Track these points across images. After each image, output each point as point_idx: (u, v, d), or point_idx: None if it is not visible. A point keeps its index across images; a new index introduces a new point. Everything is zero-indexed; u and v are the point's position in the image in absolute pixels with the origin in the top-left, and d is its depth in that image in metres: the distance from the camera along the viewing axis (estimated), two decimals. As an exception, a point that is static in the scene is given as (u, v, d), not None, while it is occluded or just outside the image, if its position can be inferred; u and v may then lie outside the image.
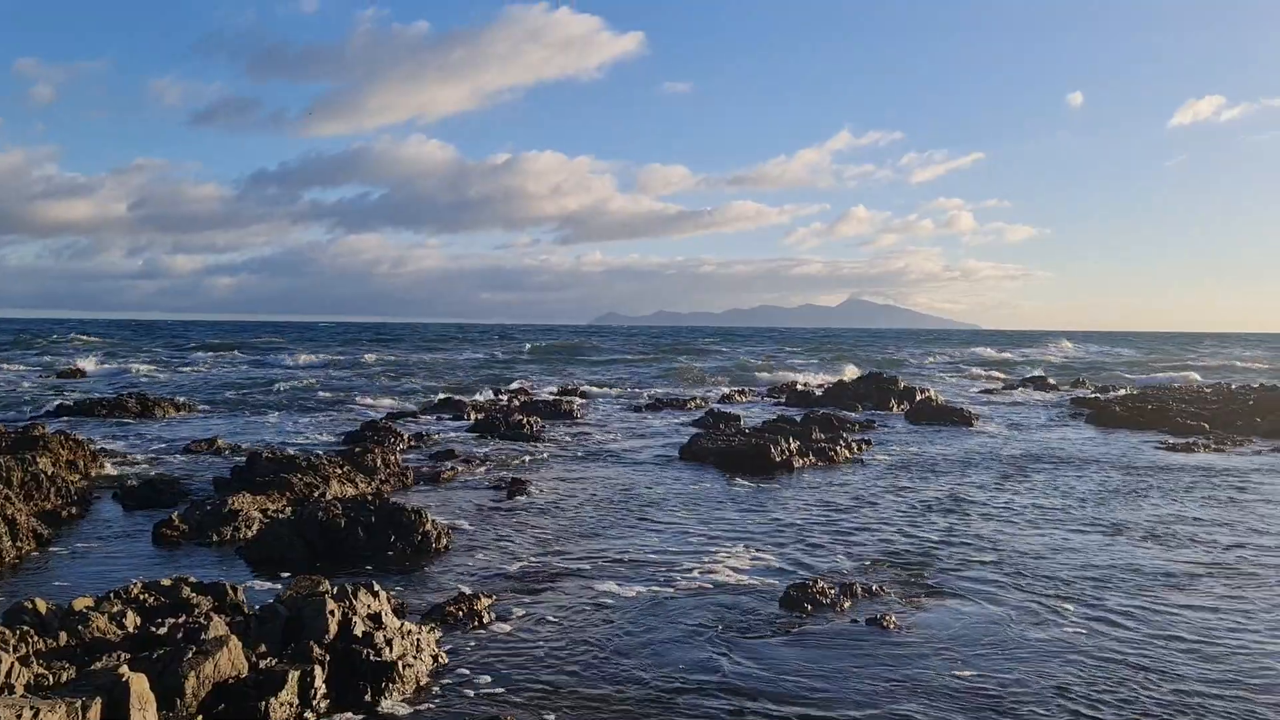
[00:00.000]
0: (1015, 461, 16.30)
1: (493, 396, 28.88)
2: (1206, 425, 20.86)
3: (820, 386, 31.67)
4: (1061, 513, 11.80)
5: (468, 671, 6.18)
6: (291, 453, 13.54)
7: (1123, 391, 31.79)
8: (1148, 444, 18.97)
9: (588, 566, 8.96)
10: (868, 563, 9.25)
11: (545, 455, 16.46)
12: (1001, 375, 45.25)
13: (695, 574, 8.72)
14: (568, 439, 18.83)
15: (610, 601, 7.84)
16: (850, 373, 37.75)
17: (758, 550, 9.65)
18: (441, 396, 27.37)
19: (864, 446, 17.78)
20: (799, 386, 32.25)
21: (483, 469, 14.82)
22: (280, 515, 10.20)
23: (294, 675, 5.25)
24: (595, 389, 33.26)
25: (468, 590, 7.74)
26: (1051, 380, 39.22)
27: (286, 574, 8.39)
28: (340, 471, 12.47)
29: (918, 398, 27.15)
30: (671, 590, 8.20)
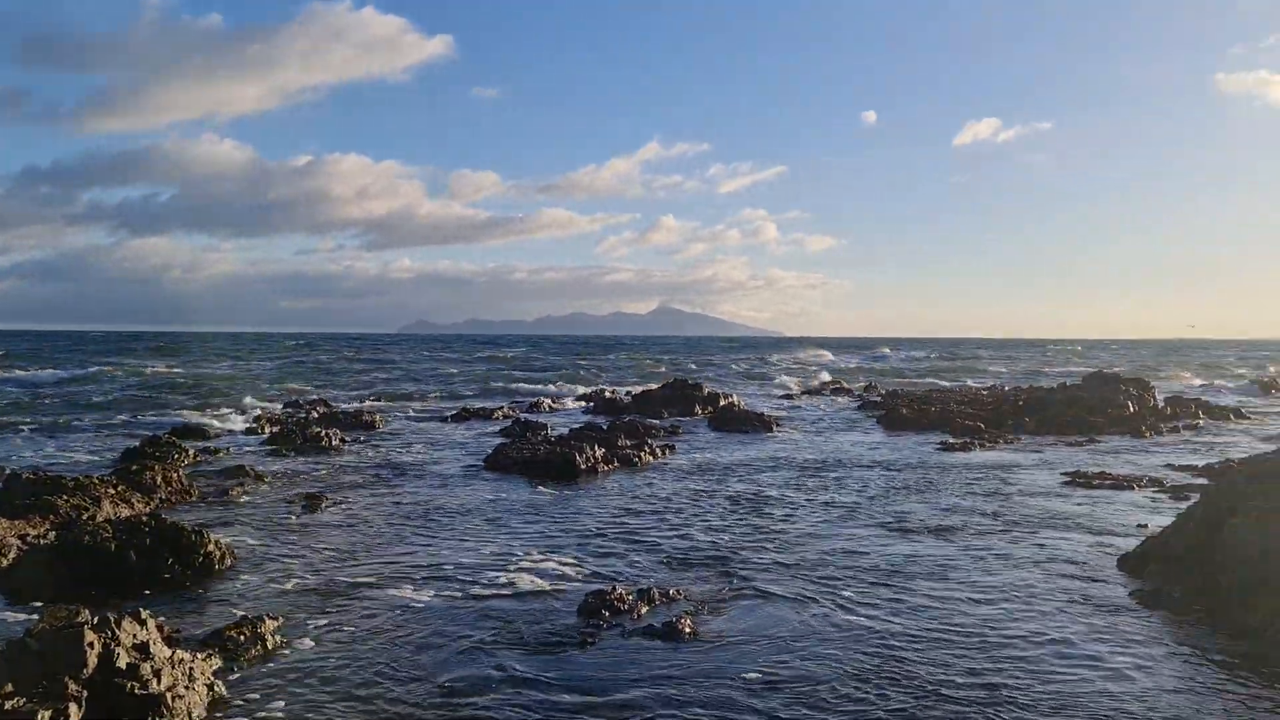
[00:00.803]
0: (811, 463, 16.91)
1: (289, 408, 27.74)
2: (982, 425, 22.27)
3: (629, 394, 31.99)
4: (852, 510, 12.32)
5: (250, 700, 5.85)
6: (56, 474, 12.54)
7: (912, 391, 33.58)
8: (931, 444, 20.08)
9: (384, 581, 8.68)
10: (668, 567, 9.36)
11: (344, 468, 15.91)
12: (798, 382, 46.96)
13: (495, 584, 8.60)
14: (369, 451, 18.27)
15: (406, 617, 7.62)
16: (666, 378, 38.32)
17: (560, 558, 9.61)
18: (234, 409, 26.04)
19: (668, 452, 18.06)
20: (607, 394, 32.49)
21: (276, 484, 14.17)
22: (42, 540, 9.41)
23: (44, 715, 4.82)
24: (400, 399, 32.47)
25: (252, 613, 7.34)
26: (845, 384, 41.05)
27: (45, 605, 7.74)
28: (114, 491, 11.65)
29: (721, 403, 27.83)
30: (470, 602, 8.05)
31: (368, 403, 29.40)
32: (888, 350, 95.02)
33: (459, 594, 8.28)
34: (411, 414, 27.35)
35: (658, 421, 23.78)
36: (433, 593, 8.32)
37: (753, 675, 6.35)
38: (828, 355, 78.68)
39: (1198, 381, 46.41)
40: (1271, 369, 56.09)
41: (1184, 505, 10.59)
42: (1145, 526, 11.08)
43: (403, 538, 10.63)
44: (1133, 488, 14.19)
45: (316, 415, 24.24)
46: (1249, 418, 26.36)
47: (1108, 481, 14.65)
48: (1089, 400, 24.35)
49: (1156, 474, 15.57)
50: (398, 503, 12.79)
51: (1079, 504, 12.84)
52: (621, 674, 6.39)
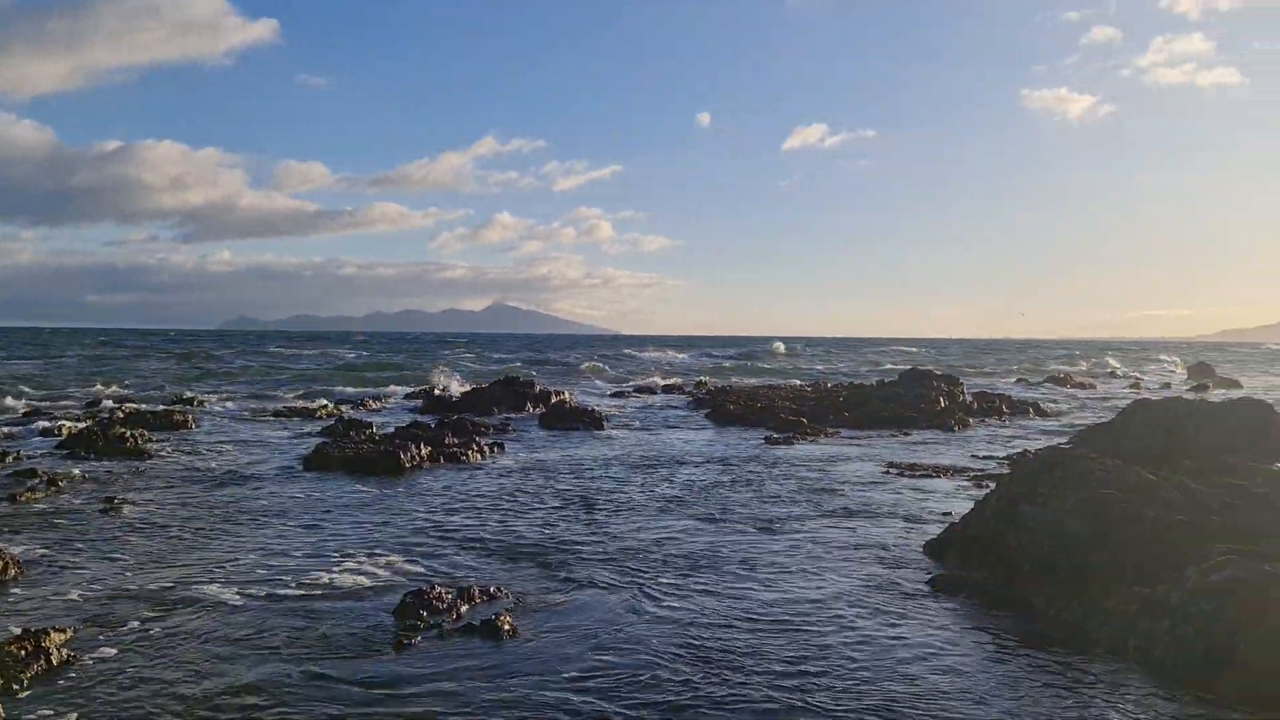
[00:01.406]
0: (640, 459, 17.08)
1: (92, 407, 26.11)
2: (805, 420, 23.01)
3: (458, 392, 31.54)
4: (677, 504, 12.50)
5: (42, 717, 5.46)
6: None
7: (738, 387, 34.37)
8: (756, 439, 20.60)
9: (190, 585, 8.26)
10: (493, 564, 9.27)
11: (150, 471, 15.07)
12: (632, 379, 47.39)
13: (308, 586, 8.31)
14: (179, 453, 17.36)
15: (211, 621, 7.27)
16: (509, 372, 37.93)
17: (380, 558, 9.37)
18: (28, 407, 24.32)
19: (497, 449, 17.91)
20: (436, 392, 31.95)
21: (73, 489, 13.28)
22: None
23: None
24: (216, 397, 31.04)
25: (38, 626, 6.84)
26: (677, 382, 41.69)
27: None
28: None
29: (553, 401, 27.78)
30: (281, 604, 7.75)
31: (179, 402, 27.92)
32: (718, 350, 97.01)
33: (269, 596, 7.96)
34: (228, 413, 26.17)
35: (488, 419, 23.55)
36: (242, 596, 7.97)
37: (570, 671, 6.34)
38: (662, 353, 79.80)
39: (1011, 379, 49.41)
40: (1085, 365, 60.15)
41: (983, 493, 11.20)
42: (950, 514, 11.66)
43: (212, 541, 10.14)
44: (940, 477, 14.93)
45: (122, 414, 22.87)
46: (1046, 412, 28.15)
47: (919, 472, 15.38)
48: (904, 396, 25.50)
49: (962, 464, 16.43)
50: (209, 505, 12.20)
51: (892, 494, 13.41)
52: (435, 675, 6.27)
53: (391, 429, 20.21)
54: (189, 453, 17.43)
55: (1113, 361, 70.04)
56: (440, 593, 7.75)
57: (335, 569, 8.91)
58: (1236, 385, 40.28)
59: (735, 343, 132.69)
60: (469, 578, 8.64)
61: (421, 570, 8.99)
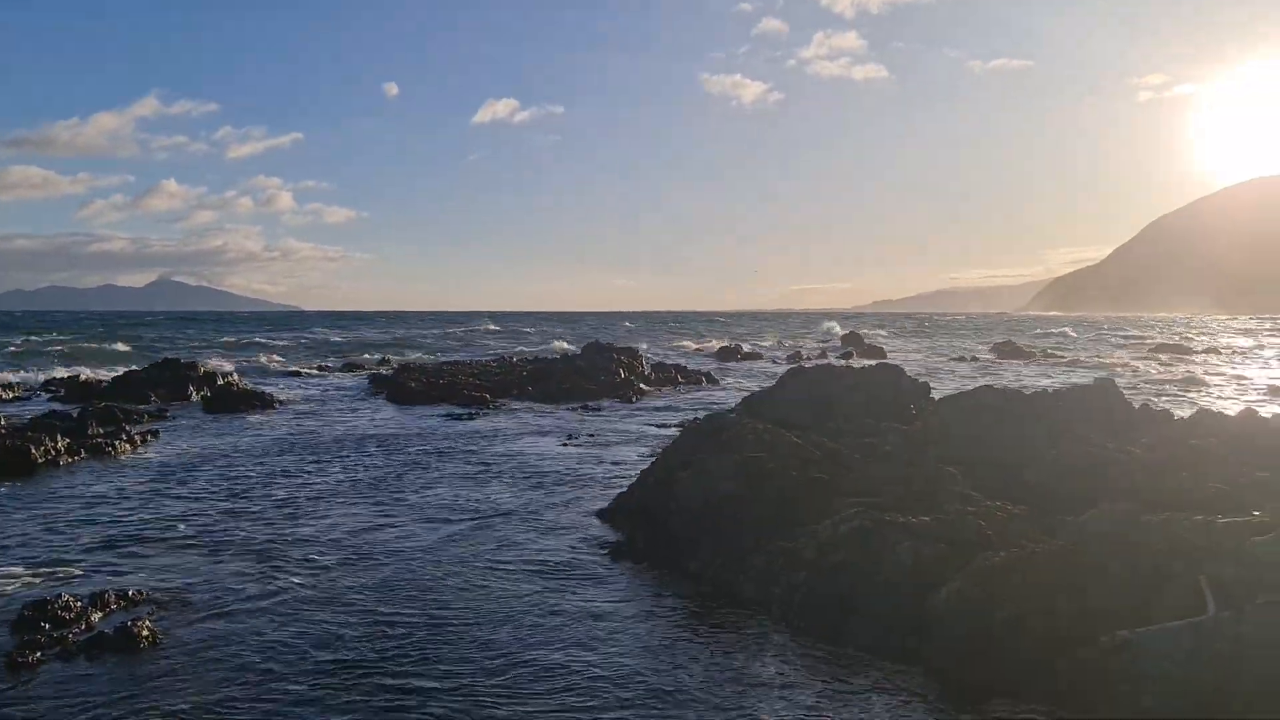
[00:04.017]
0: (313, 443, 16.37)
1: None
2: (489, 395, 23.04)
3: (111, 376, 28.84)
4: (350, 488, 12.10)
5: None
6: None
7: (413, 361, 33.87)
8: (438, 416, 20.38)
9: None
10: (138, 566, 8.53)
11: None
12: (319, 359, 45.44)
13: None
14: None
15: None
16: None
17: (4, 567, 8.38)
18: None
19: (153, 438, 16.58)
20: (81, 378, 29.03)
21: None
22: None
23: None
24: None
25: None
26: (360, 360, 40.44)
27: None
28: None
29: (219, 383, 26.04)
30: None
31: None
32: (421, 327, 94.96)
33: None
34: None
35: (143, 406, 21.72)
36: None
37: (214, 680, 5.94)
38: (343, 333, 76.99)
39: (692, 346, 52.10)
40: (758, 340, 64.14)
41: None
42: (622, 481, 12.09)
43: None
44: (619, 445, 15.45)
45: None
46: (718, 380, 29.86)
47: (598, 441, 15.82)
48: (586, 369, 26.16)
49: (639, 432, 17.08)
50: None
51: (570, 464, 13.71)
52: (53, 696, 5.67)
53: (24, 420, 18.15)
54: None
55: (773, 336, 75.41)
56: (68, 600, 7.04)
57: (-57, 583, 7.88)
58: (881, 352, 44.63)
59: (427, 318, 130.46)
60: (108, 582, 7.92)
61: (49, 577, 8.11)
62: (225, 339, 61.96)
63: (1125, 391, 11.76)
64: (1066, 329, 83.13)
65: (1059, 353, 44.87)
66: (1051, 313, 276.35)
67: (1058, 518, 7.00)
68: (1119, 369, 34.71)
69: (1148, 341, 58.73)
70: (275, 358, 45.22)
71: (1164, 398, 22.46)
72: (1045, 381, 27.94)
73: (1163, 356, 42.36)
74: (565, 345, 53.47)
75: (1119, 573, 5.61)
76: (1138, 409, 11.24)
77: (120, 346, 48.27)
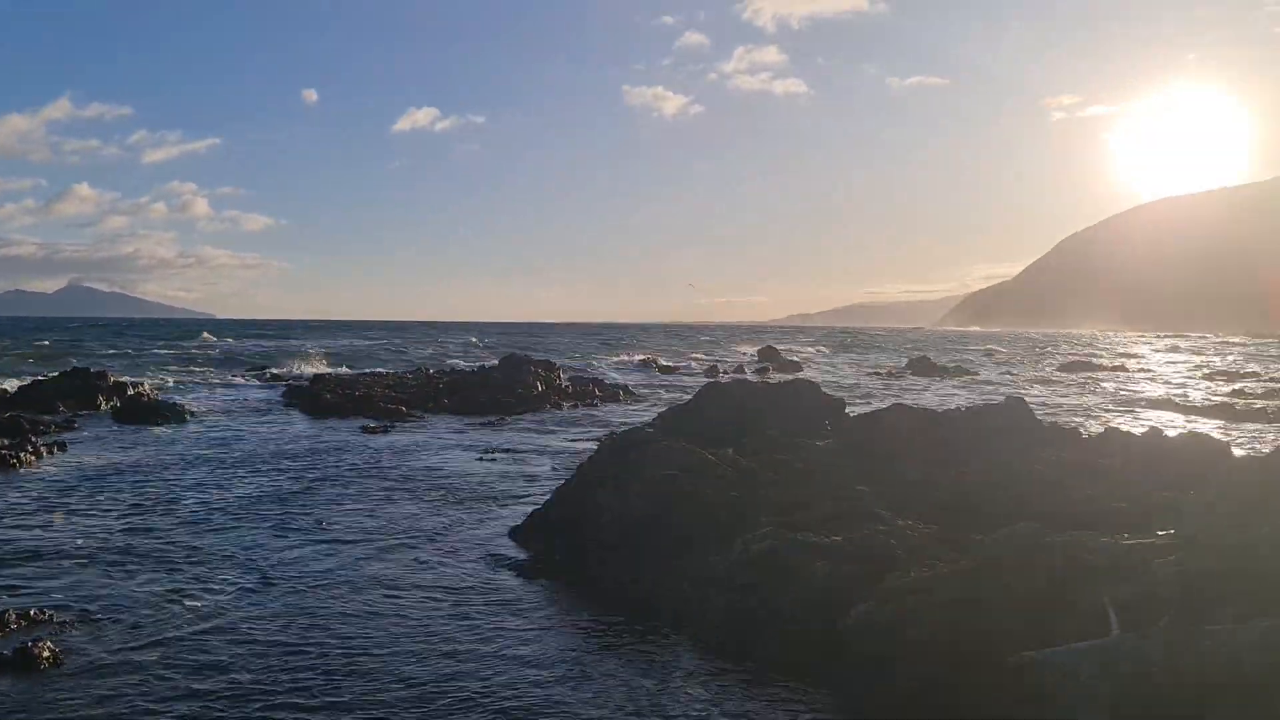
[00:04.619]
0: (221, 457, 15.94)
1: None
2: (404, 408, 22.73)
3: (16, 385, 27.78)
4: (256, 503, 11.80)
5: None
6: None
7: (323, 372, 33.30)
8: (352, 429, 20.03)
9: None
10: (42, 583, 8.21)
11: None
12: (230, 370, 44.35)
13: None
14: None
15: None
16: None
17: (-115, 590, 8.00)
18: None
19: (58, 450, 16.02)
20: (-17, 387, 27.93)
21: None
22: None
23: None
24: None
25: None
26: (276, 370, 39.60)
27: None
28: None
29: (129, 393, 25.26)
30: None
31: None
32: (331, 338, 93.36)
33: None
34: None
35: (50, 417, 21.00)
36: None
37: (115, 698, 5.77)
38: (258, 342, 75.30)
39: (611, 359, 52.10)
40: (676, 354, 64.34)
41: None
42: (539, 498, 12.01)
43: None
44: (534, 460, 15.35)
45: None
46: (635, 394, 29.89)
47: (513, 457, 15.70)
48: (503, 381, 25.97)
49: (554, 447, 17.00)
50: None
51: (481, 480, 13.57)
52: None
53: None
54: None
55: (691, 349, 75.81)
56: (-41, 624, 6.75)
57: None
58: (798, 367, 45.16)
59: (349, 328, 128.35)
60: (10, 601, 7.61)
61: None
62: (136, 347, 60.20)
63: (1034, 409, 12.06)
64: (980, 345, 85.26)
65: (971, 369, 45.89)
66: (968, 328, 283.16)
67: (967, 536, 7.13)
68: (1029, 386, 35.65)
69: (1058, 358, 60.48)
70: (189, 367, 44.03)
71: (1072, 415, 23.10)
72: (958, 398, 28.55)
73: (1071, 374, 43.64)
74: (481, 353, 53.07)
75: (1024, 593, 5.73)
76: (1047, 427, 11.53)
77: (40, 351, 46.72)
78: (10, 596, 7.85)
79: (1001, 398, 12.86)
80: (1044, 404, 26.63)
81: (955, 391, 33.05)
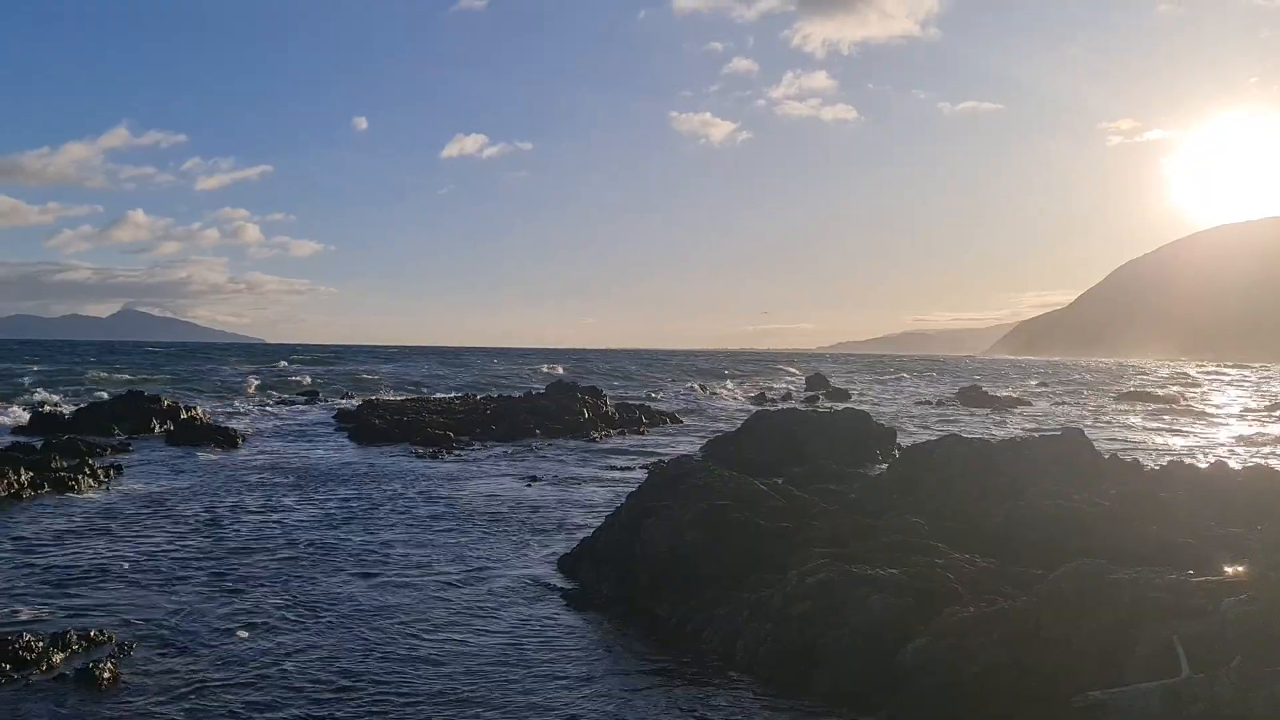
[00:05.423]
0: (277, 481, 16.12)
1: None
2: (452, 434, 22.85)
3: (74, 408, 28.37)
4: (307, 533, 11.86)
5: None
6: None
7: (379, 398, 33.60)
8: (401, 454, 20.16)
9: None
10: (102, 605, 8.32)
11: None
12: (275, 392, 44.96)
13: None
14: None
15: None
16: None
17: (-46, 610, 8.14)
18: None
19: (115, 473, 16.29)
20: (45, 409, 28.55)
21: None
22: None
23: None
24: None
25: None
26: (326, 395, 40.10)
27: None
28: None
29: (183, 417, 25.69)
30: None
31: None
32: (370, 361, 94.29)
33: None
34: None
35: (106, 439, 21.39)
36: None
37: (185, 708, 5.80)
38: (307, 367, 76.21)
39: (658, 386, 52.05)
40: (722, 381, 64.20)
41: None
42: (587, 528, 11.97)
43: None
44: (586, 488, 15.34)
45: None
46: (682, 421, 29.81)
47: (558, 486, 15.70)
48: (550, 408, 26.03)
49: (601, 476, 16.96)
50: None
51: (531, 507, 13.56)
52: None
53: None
54: None
55: (739, 376, 75.54)
56: (29, 641, 6.85)
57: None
58: (846, 395, 44.78)
59: (396, 354, 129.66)
60: (71, 621, 7.73)
61: (17, 617, 7.91)
62: (189, 371, 61.25)
63: (1093, 441, 11.83)
64: (1033, 373, 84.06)
65: (1024, 400, 45.19)
66: (1020, 357, 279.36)
67: (1028, 570, 6.98)
68: (1085, 417, 35.02)
69: (1114, 388, 59.35)
70: (243, 391, 44.69)
71: (1132, 448, 22.63)
72: (1012, 429, 28.11)
73: (1129, 405, 42.75)
74: (529, 378, 53.29)
75: (1090, 630, 5.58)
76: (1106, 459, 11.30)
77: (98, 374, 47.77)
78: (69, 617, 7.96)
79: (1058, 429, 12.63)
80: (1102, 436, 26.11)
81: (1008, 422, 32.55)
